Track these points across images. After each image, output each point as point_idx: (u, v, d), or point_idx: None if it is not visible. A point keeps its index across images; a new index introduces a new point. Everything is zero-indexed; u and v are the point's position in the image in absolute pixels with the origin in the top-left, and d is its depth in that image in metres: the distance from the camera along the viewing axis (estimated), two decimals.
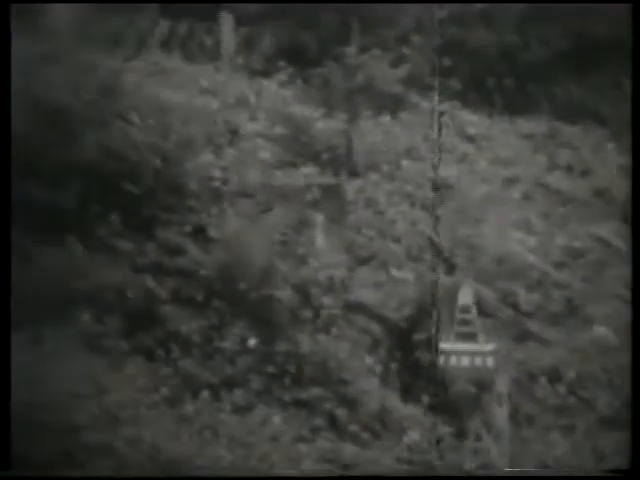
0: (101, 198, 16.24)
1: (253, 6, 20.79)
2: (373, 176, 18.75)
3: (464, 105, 20.32)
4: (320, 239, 17.45)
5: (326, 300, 16.82)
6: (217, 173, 17.26)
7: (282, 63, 19.91)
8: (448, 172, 19.01)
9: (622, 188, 18.14)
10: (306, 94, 19.39)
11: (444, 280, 17.13)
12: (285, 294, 16.53)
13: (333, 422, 15.95)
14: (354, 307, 17.04)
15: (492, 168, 19.32)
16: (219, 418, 15.30)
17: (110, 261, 16.02)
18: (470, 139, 20.09)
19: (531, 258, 17.81)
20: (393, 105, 19.91)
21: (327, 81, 19.58)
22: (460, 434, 16.23)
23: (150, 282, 16.02)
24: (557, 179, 18.96)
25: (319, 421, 15.85)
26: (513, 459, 15.81)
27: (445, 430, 16.11)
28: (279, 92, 19.41)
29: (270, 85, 19.52)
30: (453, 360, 15.87)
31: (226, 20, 20.16)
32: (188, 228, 16.62)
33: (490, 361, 15.82)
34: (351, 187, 18.28)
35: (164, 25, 20.36)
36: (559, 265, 17.82)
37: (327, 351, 16.28)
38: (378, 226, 17.93)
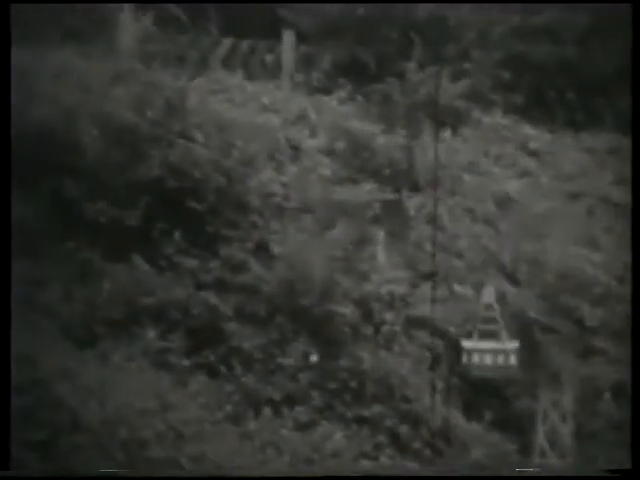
0: (165, 216, 16.37)
1: (313, 24, 20.88)
2: (434, 191, 18.75)
3: (526, 119, 20.26)
4: (381, 255, 17.44)
5: (387, 316, 16.79)
6: (279, 189, 17.32)
7: (342, 80, 20.00)
8: (510, 187, 18.95)
9: None
10: (366, 110, 19.42)
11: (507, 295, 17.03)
12: (347, 310, 16.53)
13: (395, 439, 15.90)
14: (416, 323, 17.00)
15: (555, 183, 19.21)
16: (281, 434, 15.30)
17: (174, 278, 16.12)
18: (532, 154, 20.00)
19: (595, 273, 17.67)
20: (454, 120, 19.89)
21: (387, 97, 19.60)
22: (525, 450, 16.11)
23: (213, 299, 16.09)
24: (621, 193, 18.80)
25: (381, 438, 15.81)
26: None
27: (509, 447, 16.02)
28: (339, 108, 19.48)
29: (330, 102, 19.59)
30: (476, 358, 15.77)
31: (287, 38, 20.29)
32: (250, 245, 16.69)
33: (513, 359, 15.70)
34: (412, 202, 18.26)
35: (226, 44, 20.53)
36: (623, 280, 17.65)
37: (389, 367, 16.24)
38: (440, 241, 17.89)
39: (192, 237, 16.38)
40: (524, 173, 19.57)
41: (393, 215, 17.86)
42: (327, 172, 18.03)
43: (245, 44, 20.47)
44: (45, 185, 15.96)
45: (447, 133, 19.69)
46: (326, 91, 19.92)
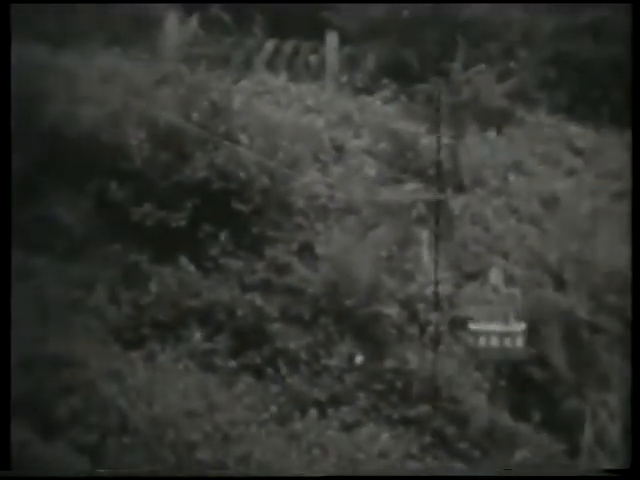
0: (211, 217, 16.42)
1: (356, 24, 20.88)
2: (479, 191, 18.64)
3: (571, 118, 20.12)
4: (426, 255, 17.39)
5: (433, 316, 16.74)
6: (323, 190, 17.31)
7: (386, 80, 19.96)
8: (556, 186, 18.83)
9: None
10: (410, 110, 19.38)
11: (554, 295, 16.93)
12: (392, 311, 16.49)
13: (442, 440, 15.85)
14: (461, 323, 16.93)
15: (601, 181, 19.07)
16: (327, 435, 15.30)
17: (220, 280, 16.17)
18: (578, 152, 19.87)
19: None
20: (499, 120, 19.80)
21: (431, 97, 19.54)
22: (573, 451, 16.01)
23: (258, 300, 16.12)
24: None
25: (428, 439, 15.77)
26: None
27: (557, 447, 15.91)
28: (383, 109, 19.45)
29: (374, 102, 19.56)
30: (482, 341, 15.62)
31: (331, 39, 20.30)
32: (295, 246, 16.70)
33: (520, 341, 15.53)
34: (457, 203, 18.17)
35: (270, 45, 20.58)
36: None
37: (435, 368, 16.19)
38: (485, 241, 17.80)
39: (237, 238, 16.41)
40: (570, 172, 19.44)
41: (438, 215, 17.80)
42: (371, 172, 18.01)
43: (289, 45, 20.50)
44: (92, 188, 16.09)
45: (492, 133, 19.62)
46: (370, 91, 19.88)
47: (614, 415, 16.09)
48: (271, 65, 20.28)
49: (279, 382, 15.68)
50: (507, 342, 15.54)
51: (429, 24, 20.66)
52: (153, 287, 15.79)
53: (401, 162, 18.46)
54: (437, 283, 16.68)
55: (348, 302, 16.31)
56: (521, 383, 16.55)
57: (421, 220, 17.59)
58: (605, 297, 17.26)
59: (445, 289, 16.97)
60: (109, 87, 16.60)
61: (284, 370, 15.77)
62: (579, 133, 20.06)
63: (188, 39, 19.51)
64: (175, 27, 19.38)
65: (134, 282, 15.76)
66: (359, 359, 16.15)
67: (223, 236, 16.33)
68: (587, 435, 16.14)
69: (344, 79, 20.24)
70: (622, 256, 17.70)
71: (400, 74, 20.13)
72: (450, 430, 15.86)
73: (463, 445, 15.79)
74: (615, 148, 19.69)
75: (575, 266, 17.46)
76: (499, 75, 20.18)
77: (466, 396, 16.14)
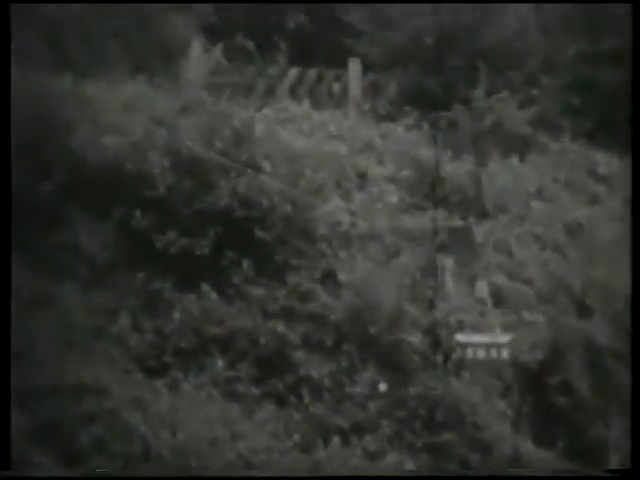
0: (234, 245, 16.45)
1: (379, 52, 20.95)
2: (503, 218, 18.62)
3: (594, 144, 20.09)
4: (449, 282, 17.35)
5: (456, 344, 16.68)
6: (346, 218, 17.32)
7: (408, 107, 20.01)
8: (579, 213, 18.77)
9: None
10: (433, 137, 19.40)
11: (578, 323, 16.85)
12: (415, 338, 16.45)
13: (466, 467, 15.76)
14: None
15: (624, 208, 18.99)
16: (351, 464, 15.24)
17: (243, 307, 16.18)
18: (601, 179, 19.82)
19: None
20: (522, 146, 19.80)
21: (454, 124, 19.57)
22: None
23: (281, 328, 16.11)
24: None
25: (452, 466, 15.68)
26: None
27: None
28: (406, 136, 19.48)
29: (397, 129, 19.60)
30: (469, 352, 15.66)
31: (353, 66, 20.37)
32: (318, 273, 16.69)
33: (505, 353, 15.55)
34: (480, 229, 18.17)
35: (293, 73, 20.68)
36: None
37: (459, 395, 16.13)
38: (508, 268, 17.75)
39: (260, 266, 16.43)
40: (593, 199, 19.40)
41: (461, 242, 17.77)
42: (394, 199, 18.02)
43: (312, 73, 20.60)
44: (116, 216, 16.16)
45: (515, 159, 19.60)
46: (392, 119, 19.95)
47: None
48: (294, 93, 20.38)
49: (302, 410, 15.63)
50: (493, 353, 15.73)
51: (451, 51, 20.71)
52: (176, 315, 15.85)
53: (423, 189, 18.46)
54: (460, 310, 16.65)
55: (371, 329, 16.28)
56: (545, 410, 16.45)
57: (444, 247, 17.56)
58: (629, 324, 17.15)
59: (468, 316, 16.91)
60: (132, 115, 16.70)
61: (307, 398, 15.73)
62: (602, 159, 20.02)
63: (212, 67, 19.63)
64: (199, 56, 19.49)
65: (157, 310, 15.82)
66: (382, 387, 16.09)
67: (246, 264, 16.35)
68: (611, 462, 16.01)
69: (367, 106, 20.31)
70: None
71: (422, 101, 20.18)
72: (474, 458, 15.77)
73: (486, 472, 15.67)
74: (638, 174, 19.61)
75: (598, 293, 17.38)
76: (521, 102, 20.20)
77: (490, 423, 16.05)
